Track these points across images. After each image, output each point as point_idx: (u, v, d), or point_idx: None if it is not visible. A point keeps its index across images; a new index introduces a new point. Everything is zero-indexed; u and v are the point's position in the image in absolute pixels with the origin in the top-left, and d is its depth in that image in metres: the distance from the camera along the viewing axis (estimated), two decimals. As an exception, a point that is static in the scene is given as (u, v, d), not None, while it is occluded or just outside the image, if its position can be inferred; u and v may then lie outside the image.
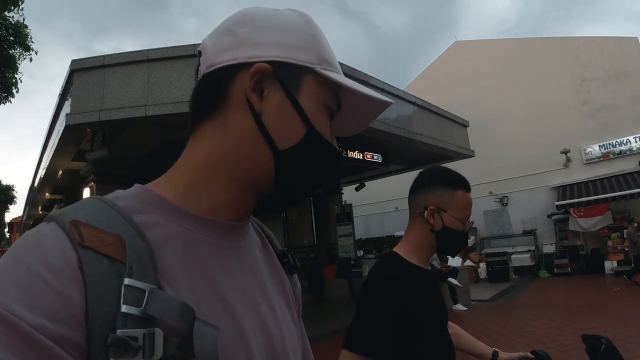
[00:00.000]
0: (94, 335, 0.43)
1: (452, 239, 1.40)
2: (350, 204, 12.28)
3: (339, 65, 0.67)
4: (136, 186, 0.59)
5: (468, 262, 13.33)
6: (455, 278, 8.86)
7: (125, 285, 0.45)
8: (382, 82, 8.32)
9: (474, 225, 15.78)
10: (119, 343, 0.42)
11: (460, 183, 1.43)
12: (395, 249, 1.44)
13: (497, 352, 1.61)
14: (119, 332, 0.42)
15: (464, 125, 11.78)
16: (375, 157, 9.70)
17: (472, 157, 11.97)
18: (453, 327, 1.69)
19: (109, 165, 7.36)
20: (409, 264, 1.38)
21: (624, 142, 14.09)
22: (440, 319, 1.39)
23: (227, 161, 0.60)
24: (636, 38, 14.45)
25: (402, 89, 9.63)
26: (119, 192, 0.58)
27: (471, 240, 15.35)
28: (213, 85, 0.61)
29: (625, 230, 12.08)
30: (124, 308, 0.43)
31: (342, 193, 13.90)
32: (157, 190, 0.59)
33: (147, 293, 0.45)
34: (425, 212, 1.39)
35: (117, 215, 0.51)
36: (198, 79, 0.64)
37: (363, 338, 1.25)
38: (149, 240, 0.50)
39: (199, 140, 0.61)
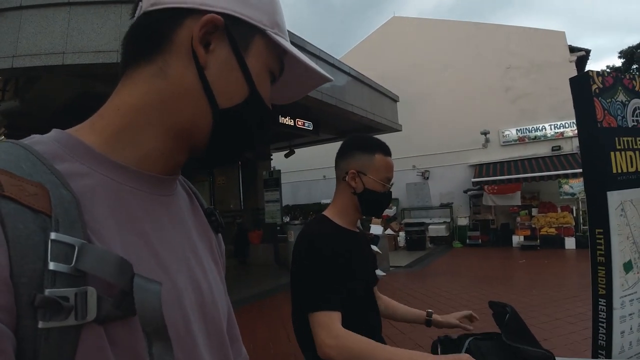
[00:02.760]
0: (19, 296, 0.38)
1: (374, 200, 1.47)
2: (279, 170, 12.27)
3: (287, 32, 0.64)
4: (55, 131, 0.53)
5: (389, 231, 13.96)
6: (376, 245, 9.24)
7: (52, 241, 0.40)
8: (319, 49, 8.23)
9: (395, 197, 16.50)
10: (47, 304, 0.38)
11: (379, 147, 1.50)
12: (324, 213, 1.51)
13: (431, 312, 1.78)
14: (47, 291, 0.38)
15: (394, 100, 12.06)
16: (306, 124, 9.70)
17: (399, 131, 12.34)
18: (385, 300, 1.78)
19: (22, 118, 6.70)
20: (337, 225, 1.45)
21: (540, 128, 15.21)
22: (366, 279, 1.47)
23: (162, 110, 0.55)
24: (564, 33, 15.41)
25: (338, 58, 9.59)
26: (36, 137, 0.52)
27: (392, 211, 16.06)
28: (155, 26, 0.55)
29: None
30: (51, 265, 0.39)
31: (272, 159, 13.82)
32: (80, 137, 0.53)
33: (77, 249, 0.41)
34: (347, 176, 1.47)
35: (38, 161, 0.45)
36: (137, 15, 0.57)
37: (325, 296, 1.28)
38: (74, 191, 0.45)
39: (131, 85, 0.56)
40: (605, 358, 1.93)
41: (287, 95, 0.74)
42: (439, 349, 1.66)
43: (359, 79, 9.91)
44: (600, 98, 2.08)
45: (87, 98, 6.20)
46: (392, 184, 1.55)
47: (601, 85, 2.09)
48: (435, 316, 1.76)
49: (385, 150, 1.51)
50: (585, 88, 2.09)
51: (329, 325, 1.23)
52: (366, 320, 1.38)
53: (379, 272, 9.34)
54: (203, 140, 0.59)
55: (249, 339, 5.14)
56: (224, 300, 0.70)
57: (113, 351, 0.43)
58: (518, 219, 14.36)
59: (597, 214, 2.06)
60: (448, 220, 15.85)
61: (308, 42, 7.84)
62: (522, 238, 13.86)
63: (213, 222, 0.75)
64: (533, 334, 1.48)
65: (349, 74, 9.45)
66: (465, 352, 1.48)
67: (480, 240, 14.87)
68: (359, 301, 1.40)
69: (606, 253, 2.00)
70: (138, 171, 0.55)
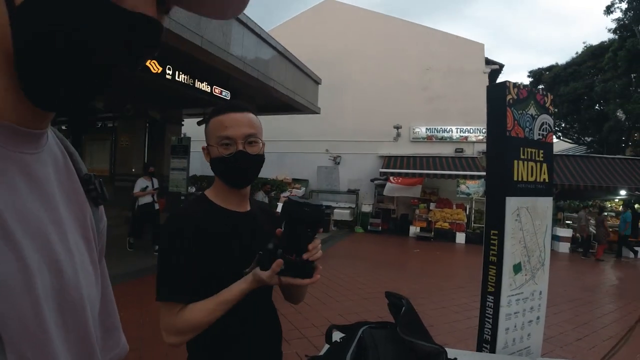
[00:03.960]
0: None
1: (224, 169, 1.26)
2: (189, 137, 11.72)
3: None
4: None
5: (279, 208, 14.07)
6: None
7: None
8: (248, 17, 7.91)
9: (305, 178, 16.68)
10: None
11: (213, 112, 1.31)
12: (205, 192, 1.37)
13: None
14: None
15: (316, 82, 12.06)
16: (224, 93, 9.35)
17: (317, 114, 12.39)
18: None
19: None
20: (213, 204, 1.31)
21: (447, 130, 16.21)
22: (243, 262, 1.21)
23: None
24: (483, 45, 16.48)
25: (266, 31, 9.31)
26: None
27: (301, 191, 16.23)
28: None
29: (577, 213, 14.10)
30: None
31: (183, 124, 13.17)
32: None
33: None
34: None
35: None
36: None
37: (168, 283, 1.17)
38: None
39: None
40: (490, 352, 2.08)
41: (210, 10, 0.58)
42: (332, 336, 1.64)
43: (285, 55, 9.72)
44: (512, 108, 2.19)
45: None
46: (252, 142, 1.26)
47: (515, 97, 2.21)
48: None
49: (219, 111, 1.29)
50: (500, 97, 2.19)
51: (169, 319, 1.16)
52: (235, 310, 1.17)
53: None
54: (9, 61, 0.43)
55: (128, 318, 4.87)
56: (93, 286, 0.58)
57: None
58: (417, 211, 15.32)
59: (494, 216, 2.19)
60: (353, 205, 16.40)
61: (237, 9, 7.47)
62: (418, 229, 14.82)
63: (91, 191, 0.63)
64: (425, 327, 1.52)
65: (275, 49, 9.22)
66: (358, 340, 1.47)
67: (380, 227, 15.64)
68: (224, 285, 1.19)
69: (498, 254, 2.13)
70: None
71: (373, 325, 1.72)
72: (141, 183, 8.71)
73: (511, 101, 2.18)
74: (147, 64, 6.94)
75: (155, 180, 9.03)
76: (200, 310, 1.14)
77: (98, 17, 0.42)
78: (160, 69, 7.29)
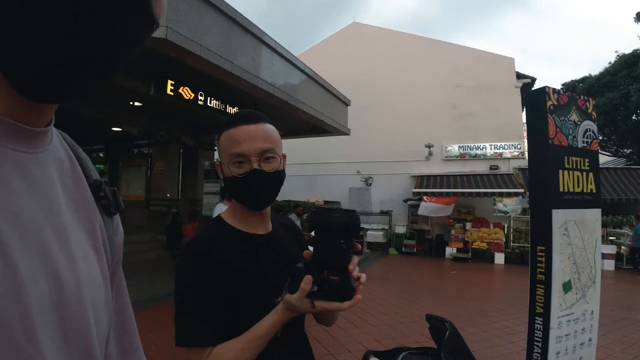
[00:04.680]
0: None
1: (236, 188, 1.12)
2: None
3: None
4: None
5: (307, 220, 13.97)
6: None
7: None
8: (276, 41, 8.03)
9: (337, 200, 16.58)
10: None
11: (226, 124, 1.14)
12: (222, 213, 1.22)
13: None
14: None
15: (345, 103, 12.07)
16: (255, 117, 9.44)
17: (347, 135, 12.37)
18: None
19: None
20: (231, 229, 1.15)
21: (481, 147, 15.85)
22: (266, 290, 1.07)
23: None
24: (513, 59, 16.14)
25: (295, 55, 9.44)
26: None
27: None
28: None
29: (622, 229, 13.64)
30: None
31: (215, 149, 13.41)
32: None
33: None
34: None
35: None
36: None
37: (187, 327, 1.01)
38: None
39: None
40: (541, 379, 1.91)
41: None
42: None
43: (313, 77, 9.80)
44: (554, 115, 2.06)
45: None
46: (269, 157, 1.10)
47: (556, 103, 2.08)
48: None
49: (230, 122, 1.13)
50: (540, 103, 2.07)
51: None
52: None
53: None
54: None
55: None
56: (102, 299, 0.53)
57: None
58: (452, 231, 14.88)
59: (540, 231, 2.04)
60: (386, 227, 16.12)
61: (265, 34, 7.62)
62: (455, 250, 14.36)
63: (102, 199, 0.58)
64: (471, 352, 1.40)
65: (303, 71, 9.31)
66: None
67: (415, 249, 15.25)
68: (252, 318, 1.04)
69: (546, 271, 1.98)
70: None
71: (413, 351, 1.60)
72: (221, 208, 8.91)
73: (552, 107, 2.05)
74: (180, 90, 7.12)
75: None
76: (230, 350, 0.99)
77: None
78: (193, 95, 7.44)
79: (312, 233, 1.01)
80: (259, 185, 1.08)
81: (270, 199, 1.14)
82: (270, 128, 1.13)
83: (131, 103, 8.90)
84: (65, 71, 0.40)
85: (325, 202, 17.24)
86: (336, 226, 0.94)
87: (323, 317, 1.25)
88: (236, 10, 6.47)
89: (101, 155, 16.24)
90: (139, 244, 10.38)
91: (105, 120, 10.83)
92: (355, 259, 1.00)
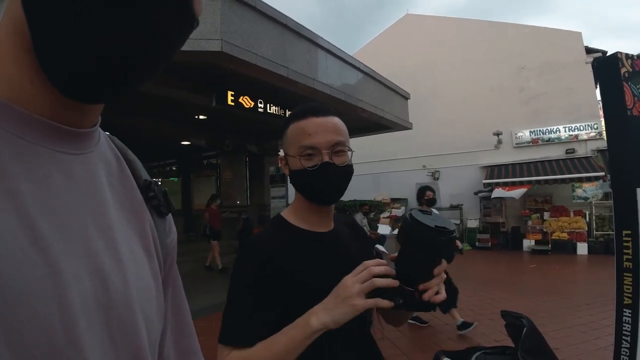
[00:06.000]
0: None
1: (304, 183, 1.08)
2: (287, 166, 12.12)
3: None
4: None
5: (397, 231, 13.73)
6: (383, 245, 9.06)
7: None
8: (329, 42, 8.04)
9: (404, 197, 16.27)
10: None
11: (292, 117, 1.12)
12: (282, 212, 1.19)
13: None
14: None
15: (405, 97, 11.83)
16: (314, 119, 9.52)
17: (409, 129, 12.11)
18: None
19: None
20: (292, 228, 1.12)
21: (554, 130, 14.82)
22: (326, 288, 0.98)
23: (8, 21, 0.41)
24: (580, 33, 14.96)
25: (351, 54, 9.40)
26: None
27: (401, 210, 15.81)
28: None
29: None
30: None
31: (279, 154, 13.70)
32: None
33: None
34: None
35: None
36: None
37: (232, 327, 0.99)
38: None
39: None
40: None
41: None
42: None
43: (369, 74, 9.70)
44: (629, 83, 1.85)
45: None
46: (340, 151, 1.07)
47: (630, 69, 1.87)
48: None
49: (299, 114, 1.10)
50: (613, 71, 1.87)
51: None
52: (324, 344, 0.96)
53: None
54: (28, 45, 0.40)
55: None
56: (152, 301, 0.52)
57: None
58: (529, 222, 14.01)
59: (625, 213, 1.84)
60: (457, 222, 15.53)
61: (318, 36, 7.65)
62: (532, 242, 13.49)
63: (151, 199, 0.57)
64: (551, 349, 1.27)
65: (359, 69, 9.25)
66: None
67: (489, 243, 14.55)
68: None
69: (634, 258, 1.78)
70: (9, 106, 0.40)
71: (488, 350, 1.50)
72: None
73: (626, 75, 1.84)
74: (240, 100, 7.34)
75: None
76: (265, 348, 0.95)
77: None
78: (252, 103, 7.63)
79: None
80: (330, 178, 1.05)
81: (339, 194, 1.11)
82: (339, 121, 1.11)
83: (196, 117, 9.29)
84: (109, 72, 0.40)
85: (393, 199, 16.99)
86: (425, 245, 0.87)
87: (393, 317, 1.19)
88: (287, 17, 6.56)
89: (174, 168, 17.17)
90: (213, 250, 10.82)
91: (175, 135, 11.43)
92: (442, 276, 0.92)
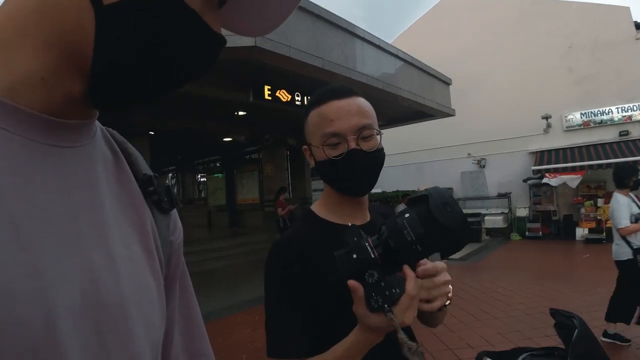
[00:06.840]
0: None
1: (331, 174, 0.99)
2: (327, 159, 12.11)
3: None
4: None
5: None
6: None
7: None
8: (365, 31, 7.90)
9: (449, 186, 15.85)
10: None
11: (313, 102, 1.02)
12: (312, 205, 1.11)
13: None
14: None
15: (446, 83, 11.51)
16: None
17: (452, 116, 11.79)
18: None
19: None
20: (323, 223, 1.04)
21: (606, 111, 13.98)
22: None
23: (39, 11, 0.39)
24: (628, 8, 14.01)
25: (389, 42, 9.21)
26: None
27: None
28: None
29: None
30: None
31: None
32: None
33: None
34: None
35: None
36: None
37: (277, 340, 0.93)
38: None
39: None
40: None
41: (259, 24, 0.61)
42: None
43: (408, 61, 9.48)
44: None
45: None
46: (368, 136, 0.98)
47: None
48: None
49: (318, 99, 1.01)
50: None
51: None
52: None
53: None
54: (89, 53, 0.40)
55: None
56: (153, 302, 0.50)
57: None
58: (582, 210, 13.27)
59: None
60: (506, 211, 14.99)
61: (354, 25, 7.53)
62: (586, 231, 12.79)
63: (151, 194, 0.54)
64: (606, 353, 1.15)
65: (397, 56, 9.05)
66: None
67: (540, 232, 13.94)
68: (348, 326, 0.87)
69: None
70: (6, 103, 0.39)
71: (535, 352, 1.39)
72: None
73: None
74: (277, 94, 7.36)
75: None
76: None
77: (187, 32, 0.42)
78: (290, 96, 7.63)
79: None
80: (358, 167, 0.96)
81: (371, 183, 1.01)
82: (364, 102, 1.01)
83: (236, 113, 9.42)
84: (147, 95, 0.46)
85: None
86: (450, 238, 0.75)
87: (426, 317, 1.06)
88: (320, 7, 6.48)
89: (217, 165, 17.56)
90: (257, 243, 11.01)
91: (217, 133, 11.65)
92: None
